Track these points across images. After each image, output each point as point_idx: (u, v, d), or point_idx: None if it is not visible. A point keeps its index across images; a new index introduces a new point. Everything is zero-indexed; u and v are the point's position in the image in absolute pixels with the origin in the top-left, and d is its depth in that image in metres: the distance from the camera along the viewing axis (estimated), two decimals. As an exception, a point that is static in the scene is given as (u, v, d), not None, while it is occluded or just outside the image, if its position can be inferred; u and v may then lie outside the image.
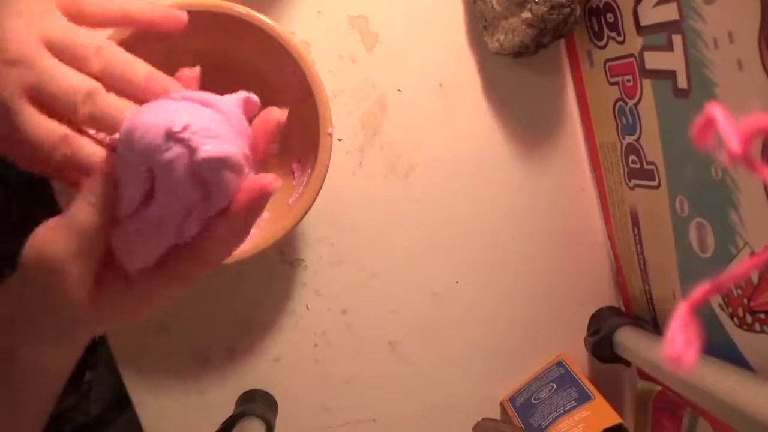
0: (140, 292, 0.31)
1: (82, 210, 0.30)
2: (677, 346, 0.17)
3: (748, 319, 0.44)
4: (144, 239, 0.30)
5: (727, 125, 0.17)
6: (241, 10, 0.45)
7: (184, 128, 0.28)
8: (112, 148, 0.31)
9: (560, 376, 0.59)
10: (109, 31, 0.40)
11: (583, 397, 0.56)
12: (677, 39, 0.44)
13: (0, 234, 0.63)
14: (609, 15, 0.51)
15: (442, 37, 0.56)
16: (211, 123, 0.30)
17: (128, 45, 0.44)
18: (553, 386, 0.59)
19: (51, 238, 0.29)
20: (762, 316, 0.42)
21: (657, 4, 0.45)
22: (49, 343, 0.33)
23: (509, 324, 0.62)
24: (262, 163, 0.34)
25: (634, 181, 0.54)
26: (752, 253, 0.42)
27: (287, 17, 0.54)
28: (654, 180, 0.51)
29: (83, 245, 0.29)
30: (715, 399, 0.43)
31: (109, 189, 0.30)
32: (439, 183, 0.58)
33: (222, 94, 0.53)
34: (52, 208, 0.54)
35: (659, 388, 0.58)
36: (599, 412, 0.54)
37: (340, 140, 0.56)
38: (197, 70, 0.34)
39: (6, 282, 0.33)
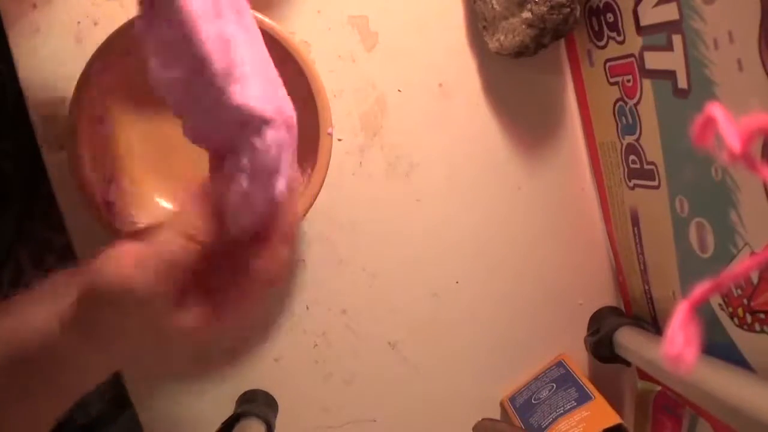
0: (225, 302, 0.32)
1: (173, 243, 0.30)
2: (677, 345, 0.17)
3: (748, 319, 0.44)
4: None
5: (727, 125, 0.17)
6: (241, 10, 0.45)
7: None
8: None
9: (560, 376, 0.59)
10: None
11: (583, 397, 0.56)
12: (677, 39, 0.44)
13: None
14: (609, 15, 0.51)
15: (442, 37, 0.56)
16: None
17: (128, 46, 0.44)
18: (553, 386, 0.59)
19: (134, 267, 0.29)
20: (762, 316, 0.42)
21: (657, 4, 0.45)
22: (111, 359, 0.33)
23: (509, 324, 0.62)
24: None
25: (634, 181, 0.54)
26: (752, 253, 0.42)
27: (287, 17, 0.54)
28: (654, 180, 0.51)
29: (171, 273, 0.29)
30: (715, 399, 0.43)
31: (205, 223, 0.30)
32: (439, 183, 0.58)
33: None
34: (52, 209, 0.54)
35: (659, 388, 0.58)
36: (599, 412, 0.54)
37: (340, 140, 0.56)
38: None
39: (58, 283, 0.33)
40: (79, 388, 0.34)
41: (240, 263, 0.31)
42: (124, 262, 0.29)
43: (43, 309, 0.32)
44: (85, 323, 0.31)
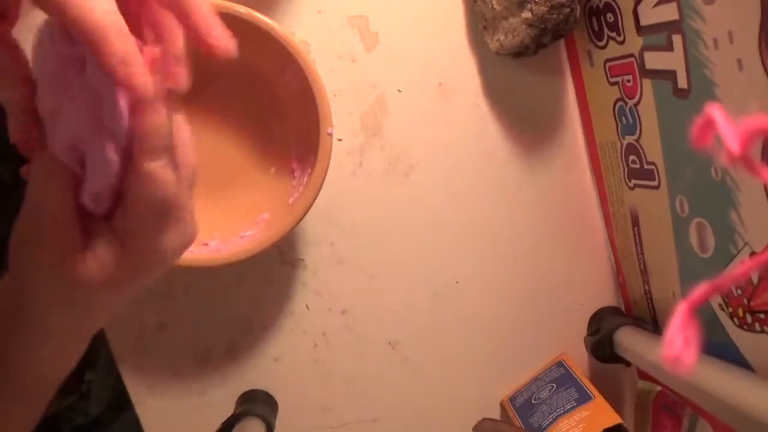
0: (127, 233, 0.30)
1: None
2: (676, 347, 0.17)
3: (748, 319, 0.44)
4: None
5: (726, 126, 0.17)
6: (241, 10, 0.45)
7: None
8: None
9: (560, 376, 0.59)
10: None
11: (583, 397, 0.56)
12: (677, 39, 0.44)
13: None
14: (609, 15, 0.51)
15: (442, 37, 0.56)
16: None
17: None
18: (553, 386, 0.59)
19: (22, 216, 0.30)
20: (762, 316, 0.42)
21: (657, 4, 0.45)
22: (51, 335, 0.32)
23: (509, 324, 0.62)
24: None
25: (634, 181, 0.54)
26: (752, 253, 0.42)
27: (287, 17, 0.54)
28: (654, 180, 0.51)
29: (53, 209, 0.29)
30: (715, 399, 0.43)
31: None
32: (439, 183, 0.58)
33: (221, 94, 0.53)
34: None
35: (659, 388, 0.58)
36: (599, 412, 0.54)
37: (340, 140, 0.56)
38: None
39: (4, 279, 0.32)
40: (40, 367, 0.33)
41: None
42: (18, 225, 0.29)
43: None
44: (13, 296, 0.31)
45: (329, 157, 0.48)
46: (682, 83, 0.44)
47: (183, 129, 0.31)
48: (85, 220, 0.30)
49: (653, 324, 0.59)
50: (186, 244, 0.32)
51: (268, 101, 0.51)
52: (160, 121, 0.28)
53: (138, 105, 0.28)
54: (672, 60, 0.45)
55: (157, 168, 0.28)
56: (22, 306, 0.31)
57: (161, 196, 0.29)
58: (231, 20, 0.45)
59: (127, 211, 0.29)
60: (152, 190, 0.29)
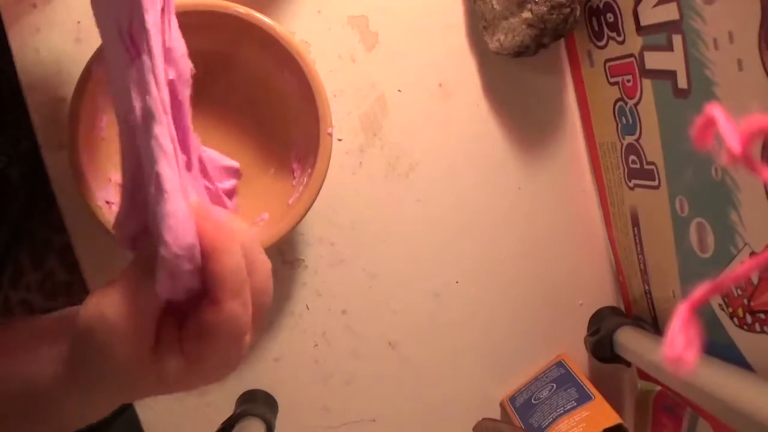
0: (195, 357, 0.30)
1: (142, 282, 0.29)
2: (677, 347, 0.17)
3: (748, 319, 0.44)
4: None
5: (726, 125, 0.17)
6: (241, 10, 0.45)
7: None
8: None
9: (560, 376, 0.59)
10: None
11: (583, 397, 0.56)
12: (677, 39, 0.44)
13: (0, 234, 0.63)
14: (609, 15, 0.51)
15: (442, 37, 0.56)
16: None
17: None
18: (553, 386, 0.59)
19: (110, 302, 0.29)
20: (762, 316, 0.42)
21: (657, 4, 0.45)
22: (97, 402, 0.33)
23: (509, 324, 0.62)
24: None
25: (634, 181, 0.54)
26: (752, 253, 0.42)
27: (287, 17, 0.54)
28: (654, 180, 0.51)
29: (141, 311, 0.29)
30: (715, 399, 0.43)
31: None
32: (439, 183, 0.58)
33: (221, 94, 0.53)
34: (52, 209, 0.54)
35: (659, 388, 0.58)
36: (599, 412, 0.54)
37: (340, 140, 0.56)
38: None
39: (54, 341, 0.33)
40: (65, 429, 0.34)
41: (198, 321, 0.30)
42: (103, 307, 0.29)
43: (42, 353, 0.33)
44: (74, 366, 0.31)
45: (329, 157, 0.48)
46: (682, 83, 0.44)
47: (265, 263, 0.32)
48: (158, 325, 0.31)
49: (653, 324, 0.59)
50: (241, 360, 0.32)
51: (268, 101, 0.51)
52: (236, 263, 0.29)
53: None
54: (672, 60, 0.45)
55: (237, 307, 0.29)
56: (78, 375, 0.32)
57: (238, 331, 0.30)
58: (231, 20, 0.45)
59: (202, 340, 0.30)
60: (231, 327, 0.29)
